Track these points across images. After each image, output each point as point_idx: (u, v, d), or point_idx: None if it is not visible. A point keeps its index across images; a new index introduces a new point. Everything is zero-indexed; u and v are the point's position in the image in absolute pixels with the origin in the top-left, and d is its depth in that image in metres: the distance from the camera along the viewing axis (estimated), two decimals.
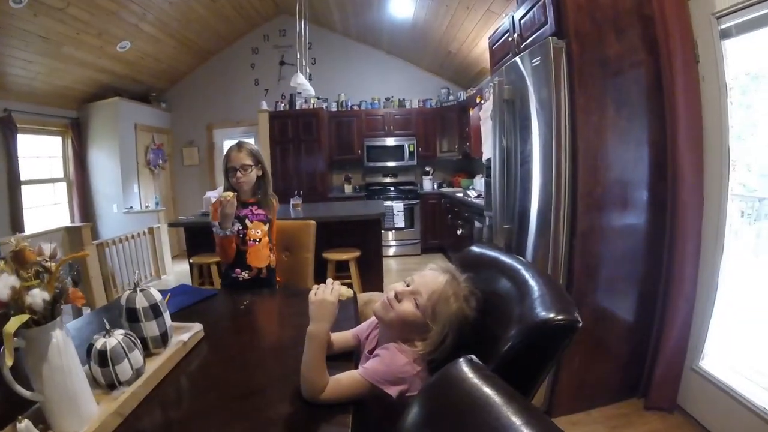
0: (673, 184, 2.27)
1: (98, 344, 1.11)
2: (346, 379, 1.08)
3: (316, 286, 1.19)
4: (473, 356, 0.70)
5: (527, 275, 1.03)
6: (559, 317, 0.83)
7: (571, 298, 0.90)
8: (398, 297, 1.13)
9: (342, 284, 1.22)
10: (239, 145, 2.31)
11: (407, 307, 1.10)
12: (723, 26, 2.10)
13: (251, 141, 7.47)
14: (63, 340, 1.01)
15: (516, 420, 0.58)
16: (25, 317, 0.91)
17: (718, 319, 2.27)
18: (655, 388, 2.37)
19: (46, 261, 1.03)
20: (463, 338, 1.08)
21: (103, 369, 1.09)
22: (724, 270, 2.22)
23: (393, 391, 1.02)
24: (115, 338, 1.13)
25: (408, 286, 1.15)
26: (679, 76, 2.19)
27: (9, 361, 0.87)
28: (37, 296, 0.94)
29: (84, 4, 4.66)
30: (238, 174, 2.26)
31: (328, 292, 1.16)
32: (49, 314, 0.98)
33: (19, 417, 0.92)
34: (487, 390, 0.65)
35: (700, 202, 2.24)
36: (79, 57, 5.52)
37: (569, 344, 0.85)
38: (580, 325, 0.83)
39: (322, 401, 1.05)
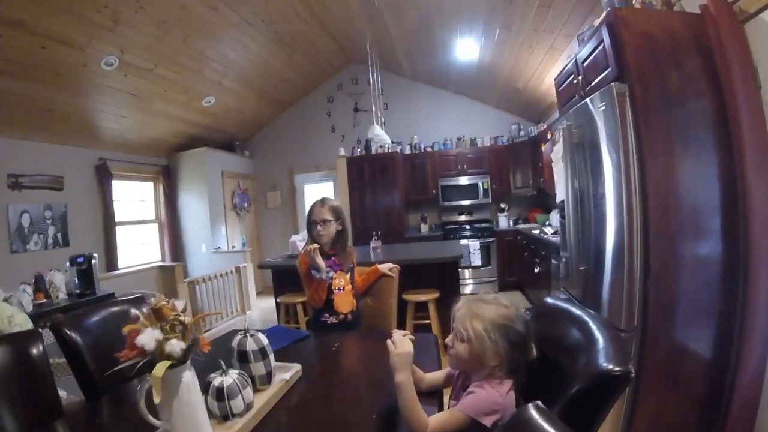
0: (744, 217, 2.19)
1: (216, 382, 1.33)
2: (448, 416, 1.25)
3: (391, 340, 1.38)
4: (539, 402, 0.84)
5: (593, 327, 1.19)
6: (617, 368, 0.97)
7: (628, 351, 1.03)
8: (447, 346, 1.36)
9: (421, 324, 1.44)
10: (322, 201, 2.55)
11: (458, 346, 1.30)
12: None
13: (330, 185, 7.90)
14: (191, 379, 1.23)
15: None
16: (168, 363, 1.14)
17: None
18: (730, 426, 2.25)
19: (180, 315, 1.27)
20: (517, 345, 1.27)
21: (219, 403, 1.31)
22: None
23: (488, 421, 1.18)
24: (231, 377, 1.35)
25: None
26: (742, 104, 2.14)
27: (158, 399, 1.09)
28: (176, 346, 1.16)
29: (170, 64, 5.18)
30: (318, 227, 2.49)
31: (404, 344, 1.35)
32: (182, 358, 1.20)
33: None
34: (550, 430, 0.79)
35: None
36: (167, 111, 6.11)
37: (624, 391, 0.97)
38: (633, 375, 0.97)
39: None
